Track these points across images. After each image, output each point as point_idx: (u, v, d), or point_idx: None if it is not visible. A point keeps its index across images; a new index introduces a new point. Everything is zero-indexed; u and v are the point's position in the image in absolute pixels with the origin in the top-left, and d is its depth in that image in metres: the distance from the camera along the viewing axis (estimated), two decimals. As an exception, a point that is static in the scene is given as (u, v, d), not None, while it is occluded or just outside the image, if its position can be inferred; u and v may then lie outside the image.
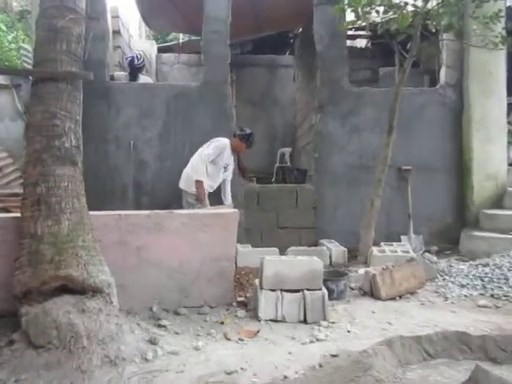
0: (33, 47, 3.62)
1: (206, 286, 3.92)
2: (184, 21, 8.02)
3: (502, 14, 5.40)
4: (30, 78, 3.60)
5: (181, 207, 5.36)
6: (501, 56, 6.17)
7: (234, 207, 5.30)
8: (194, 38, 9.56)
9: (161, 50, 9.98)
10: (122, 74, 6.54)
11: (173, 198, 6.02)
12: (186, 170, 5.61)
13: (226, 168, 5.70)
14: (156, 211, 3.91)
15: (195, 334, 3.36)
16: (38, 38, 3.32)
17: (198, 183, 5.37)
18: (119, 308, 3.10)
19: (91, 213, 3.32)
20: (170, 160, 6.12)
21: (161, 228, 3.80)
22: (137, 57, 6.43)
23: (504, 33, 5.37)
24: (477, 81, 6.25)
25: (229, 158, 5.71)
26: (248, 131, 5.73)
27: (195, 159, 5.55)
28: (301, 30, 9.03)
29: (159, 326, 3.43)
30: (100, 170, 6.03)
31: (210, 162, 5.50)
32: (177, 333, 3.35)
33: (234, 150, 5.79)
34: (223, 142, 5.61)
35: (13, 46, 8.23)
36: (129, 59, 6.49)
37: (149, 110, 6.13)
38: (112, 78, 6.41)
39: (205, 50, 6.16)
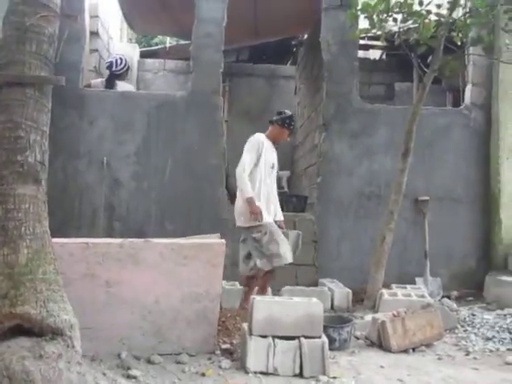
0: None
1: (186, 329, 3.89)
2: (172, 22, 8.16)
3: (540, 28, 5.53)
4: (-8, 82, 3.63)
5: (156, 234, 5.27)
6: (536, 75, 6.31)
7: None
8: (182, 42, 9.71)
9: (144, 55, 10.11)
10: (98, 82, 6.62)
11: (149, 224, 6.04)
12: (236, 204, 5.11)
13: (272, 169, 5.16)
14: (130, 240, 3.90)
15: (171, 388, 3.33)
16: (4, 38, 3.35)
17: (248, 201, 4.83)
18: (82, 354, 3.07)
19: (54, 240, 3.31)
20: (148, 180, 6.17)
21: (135, 259, 3.79)
22: (116, 61, 6.50)
23: (541, 50, 5.51)
24: (507, 102, 6.38)
25: (272, 155, 5.18)
26: (288, 112, 5.19)
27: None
28: (306, 36, 9.20)
29: (128, 376, 3.39)
30: (67, 190, 6.05)
31: (255, 170, 4.97)
32: (149, 385, 3.32)
33: (275, 141, 5.20)
34: (255, 136, 5.08)
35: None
36: (107, 64, 6.57)
37: (127, 122, 6.21)
38: (89, 86, 6.48)
39: (195, 55, 6.27)
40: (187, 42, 7.93)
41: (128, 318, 3.78)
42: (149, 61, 10.03)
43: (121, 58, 6.61)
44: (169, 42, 10.97)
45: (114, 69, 6.49)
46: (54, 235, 3.30)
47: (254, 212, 4.80)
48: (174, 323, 3.86)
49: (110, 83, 6.50)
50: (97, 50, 7.41)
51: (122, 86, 6.58)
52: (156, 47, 11.28)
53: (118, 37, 9.49)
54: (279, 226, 5.16)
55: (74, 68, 6.05)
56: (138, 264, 3.79)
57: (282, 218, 5.30)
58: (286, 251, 4.84)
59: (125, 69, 6.62)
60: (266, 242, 4.81)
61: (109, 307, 3.74)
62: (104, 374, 3.23)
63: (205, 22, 6.26)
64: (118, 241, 3.89)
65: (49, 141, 3.35)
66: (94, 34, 7.34)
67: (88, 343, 3.26)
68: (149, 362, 3.69)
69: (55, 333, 2.92)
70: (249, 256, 4.97)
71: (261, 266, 4.83)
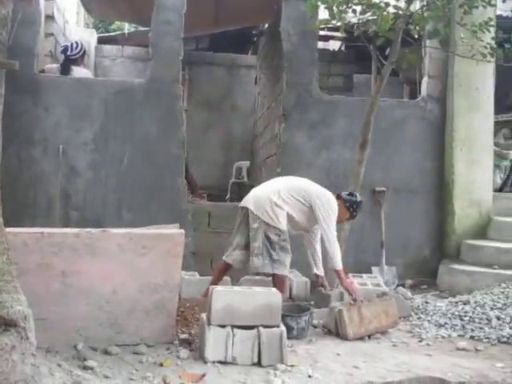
0: None
1: (144, 320, 3.86)
2: (130, 8, 8.01)
3: (492, 22, 5.66)
4: None
5: (114, 224, 5.20)
6: (489, 69, 6.45)
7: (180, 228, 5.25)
8: (141, 28, 9.56)
9: (102, 41, 9.92)
10: (53, 67, 6.44)
11: (107, 214, 5.95)
12: (265, 197, 4.84)
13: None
14: (87, 229, 3.84)
15: (128, 378, 3.29)
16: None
17: (341, 276, 4.73)
18: (37, 345, 3.01)
19: (7, 229, 3.23)
20: (105, 168, 6.07)
21: (92, 249, 3.73)
22: (72, 45, 6.33)
23: (493, 43, 5.64)
24: (462, 95, 6.49)
25: None
26: (359, 198, 5.07)
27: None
28: (267, 26, 9.18)
29: (85, 367, 3.35)
30: (21, 178, 5.90)
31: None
32: (106, 376, 3.27)
33: None
34: (334, 203, 4.88)
35: None
36: (62, 48, 6.40)
37: (84, 109, 6.07)
38: (43, 71, 6.31)
39: (154, 42, 6.17)
40: (146, 28, 7.81)
41: (85, 308, 3.72)
42: (107, 47, 9.85)
43: (76, 42, 6.43)
44: (127, 28, 10.79)
45: (69, 53, 6.31)
46: (7, 224, 3.22)
47: (353, 290, 4.67)
48: (131, 314, 3.83)
49: (65, 68, 6.31)
50: (52, 35, 7.20)
51: (77, 71, 6.39)
52: (114, 33, 11.07)
53: (75, 21, 9.26)
54: (322, 285, 5.14)
55: (28, 52, 5.89)
56: (95, 254, 3.73)
57: (323, 274, 5.19)
58: (288, 264, 4.80)
59: (81, 53, 6.42)
60: (280, 247, 4.71)
61: (65, 298, 3.68)
62: (59, 366, 3.18)
63: (164, 8, 6.16)
64: (75, 231, 3.83)
65: (2, 127, 3.26)
66: (50, 17, 7.12)
67: (43, 334, 3.20)
68: (106, 352, 3.65)
69: (8, 324, 2.86)
70: (245, 247, 4.86)
71: (259, 265, 4.67)
